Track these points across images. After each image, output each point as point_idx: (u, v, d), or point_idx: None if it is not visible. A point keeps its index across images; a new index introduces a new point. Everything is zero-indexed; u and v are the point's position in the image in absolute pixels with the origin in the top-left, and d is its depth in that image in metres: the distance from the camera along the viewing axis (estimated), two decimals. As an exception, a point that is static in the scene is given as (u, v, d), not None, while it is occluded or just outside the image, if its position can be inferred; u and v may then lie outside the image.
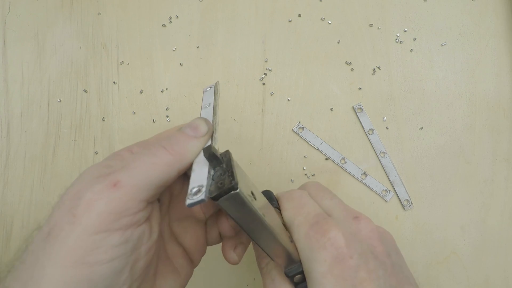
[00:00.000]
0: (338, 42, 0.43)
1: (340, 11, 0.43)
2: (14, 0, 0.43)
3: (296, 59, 0.43)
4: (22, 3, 0.43)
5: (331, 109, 0.42)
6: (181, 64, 0.43)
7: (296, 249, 0.25)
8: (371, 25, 0.43)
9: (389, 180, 0.42)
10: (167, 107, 0.43)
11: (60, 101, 0.43)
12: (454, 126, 0.42)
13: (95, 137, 0.42)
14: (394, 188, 0.41)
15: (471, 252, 0.41)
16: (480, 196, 0.42)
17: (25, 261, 0.20)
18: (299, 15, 0.43)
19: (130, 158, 0.22)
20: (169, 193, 0.27)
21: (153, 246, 0.23)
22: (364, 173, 0.42)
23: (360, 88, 0.42)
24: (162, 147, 0.22)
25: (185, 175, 0.24)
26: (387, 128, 0.42)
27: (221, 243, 0.29)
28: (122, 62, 0.43)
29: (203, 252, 0.29)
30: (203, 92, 0.28)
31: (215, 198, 0.21)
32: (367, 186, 0.42)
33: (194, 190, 0.20)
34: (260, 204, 0.23)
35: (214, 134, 0.25)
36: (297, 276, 0.25)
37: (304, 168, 0.42)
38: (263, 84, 0.43)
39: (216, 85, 0.28)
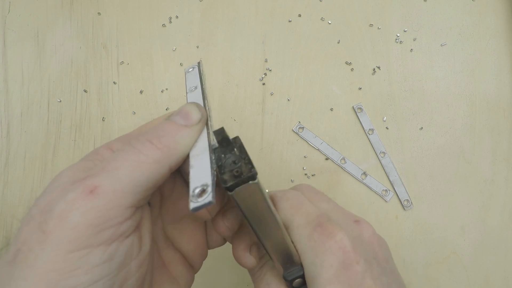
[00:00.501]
0: (338, 42, 0.43)
1: (340, 11, 0.43)
2: (14, 0, 0.43)
3: (296, 59, 0.43)
4: (22, 3, 0.43)
5: (331, 109, 0.42)
6: (181, 64, 0.43)
7: (296, 250, 0.24)
8: (371, 25, 0.43)
9: (389, 180, 0.42)
10: (167, 107, 0.43)
11: (60, 101, 0.43)
12: (454, 126, 0.42)
13: (95, 137, 0.42)
14: (394, 188, 0.41)
15: (471, 252, 0.41)
16: (480, 196, 0.42)
17: None
18: (299, 15, 0.43)
19: (111, 157, 0.19)
20: (159, 193, 0.24)
21: (146, 259, 0.20)
22: (364, 173, 0.42)
23: (360, 88, 0.42)
24: (148, 141, 0.19)
25: (176, 171, 0.21)
26: (387, 128, 0.42)
27: (229, 254, 0.26)
28: (122, 62, 0.43)
29: (204, 255, 0.26)
30: (185, 73, 0.24)
31: (230, 188, 0.18)
32: (367, 186, 0.42)
33: (198, 190, 0.17)
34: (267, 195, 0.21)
35: (209, 121, 0.21)
36: (296, 280, 0.23)
37: (304, 168, 0.42)
38: (263, 84, 0.43)
39: (199, 64, 0.24)
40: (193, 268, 0.25)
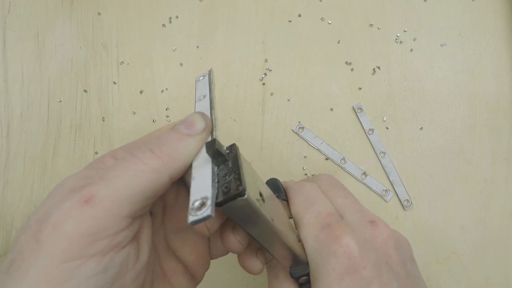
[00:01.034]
0: (338, 42, 0.43)
1: (340, 11, 0.43)
2: (14, 0, 0.43)
3: (296, 59, 0.43)
4: (22, 3, 0.43)
5: (331, 109, 0.42)
6: (181, 64, 0.43)
7: (304, 248, 0.23)
8: (371, 25, 0.43)
9: (389, 180, 0.42)
10: (167, 107, 0.43)
11: (60, 101, 0.43)
12: (454, 126, 0.42)
13: (95, 137, 0.42)
14: (394, 188, 0.41)
15: (471, 252, 0.41)
16: (480, 196, 0.42)
17: None
18: (299, 15, 0.43)
19: (111, 166, 0.18)
20: (162, 202, 0.24)
21: (143, 271, 0.20)
22: (364, 173, 0.42)
23: (360, 88, 0.42)
24: (149, 150, 0.18)
25: (180, 181, 0.20)
26: (387, 128, 0.42)
27: (229, 254, 0.25)
28: (122, 62, 0.43)
29: (207, 266, 0.25)
30: (196, 82, 0.24)
31: (219, 204, 0.18)
32: (367, 186, 0.42)
33: (197, 203, 0.17)
34: (268, 206, 0.21)
35: (213, 131, 0.21)
36: (303, 278, 0.23)
37: (304, 168, 0.42)
38: (263, 84, 0.43)
39: (210, 73, 0.24)
40: (194, 279, 0.25)
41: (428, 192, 0.42)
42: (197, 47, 0.43)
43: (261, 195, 0.20)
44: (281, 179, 0.42)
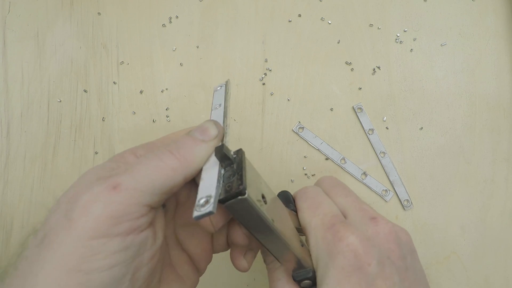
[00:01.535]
0: (338, 42, 0.43)
1: (340, 11, 0.43)
2: (14, 0, 0.43)
3: (296, 59, 0.43)
4: (22, 3, 0.43)
5: (331, 109, 0.42)
6: (181, 64, 0.43)
7: (308, 253, 0.25)
8: (371, 25, 0.43)
9: (389, 180, 0.42)
10: (167, 107, 0.43)
11: (60, 101, 0.43)
12: (454, 126, 0.42)
13: (95, 137, 0.42)
14: (394, 188, 0.41)
15: (471, 252, 0.41)
16: (480, 196, 0.42)
17: (18, 267, 0.19)
18: (299, 15, 0.43)
19: (134, 161, 0.21)
20: (175, 199, 0.26)
21: (157, 252, 0.22)
22: (364, 173, 0.42)
23: (360, 88, 0.42)
24: (168, 151, 0.21)
25: (193, 181, 0.23)
26: (387, 128, 0.42)
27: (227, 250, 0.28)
28: (122, 62, 0.43)
29: (209, 259, 0.28)
30: (214, 91, 0.26)
31: (221, 201, 0.20)
32: (367, 186, 0.42)
33: (202, 201, 0.19)
34: (270, 208, 0.22)
35: (224, 138, 0.23)
36: (305, 281, 0.24)
37: (304, 168, 0.42)
38: (263, 84, 0.43)
39: (227, 83, 0.26)
40: (198, 270, 0.27)
41: (428, 192, 0.42)
42: (197, 47, 0.43)
43: (263, 197, 0.22)
44: (281, 179, 0.42)
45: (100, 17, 0.43)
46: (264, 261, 0.27)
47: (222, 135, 0.23)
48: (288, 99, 0.42)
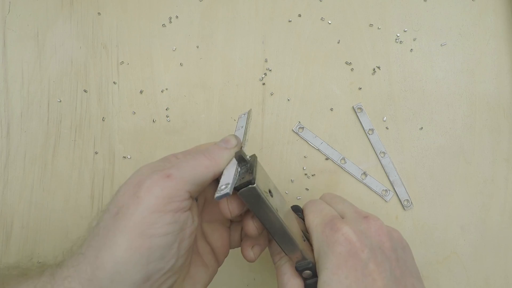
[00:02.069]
0: (338, 42, 0.43)
1: (340, 11, 0.43)
2: (14, 0, 0.43)
3: (296, 59, 0.43)
4: (22, 3, 0.43)
5: (331, 109, 0.42)
6: (181, 64, 0.43)
7: (309, 248, 0.29)
8: (371, 25, 0.43)
9: (389, 180, 0.42)
10: (167, 107, 0.43)
11: (60, 101, 0.43)
12: (454, 126, 0.42)
13: (95, 137, 0.42)
14: (394, 188, 0.41)
15: (471, 252, 0.41)
16: (480, 196, 0.42)
17: (98, 233, 0.24)
18: (299, 15, 0.43)
19: (177, 161, 0.28)
20: (204, 197, 0.32)
21: (194, 231, 0.28)
22: (364, 173, 0.42)
23: (360, 88, 0.42)
24: (202, 154, 0.28)
25: (217, 183, 0.28)
26: (387, 128, 0.42)
27: (229, 256, 0.33)
28: (122, 62, 0.43)
29: (227, 253, 0.33)
30: (238, 118, 0.35)
31: (236, 189, 0.26)
32: (367, 186, 0.42)
33: (223, 186, 0.25)
34: (276, 201, 0.28)
35: (242, 148, 0.30)
36: (305, 272, 0.29)
37: (304, 168, 0.42)
38: (263, 84, 0.43)
39: (249, 112, 0.34)
40: (218, 261, 0.33)
41: (428, 192, 0.42)
42: (197, 47, 0.43)
43: (270, 191, 0.28)
44: (281, 179, 0.42)
45: (100, 17, 0.43)
46: (273, 260, 0.32)
47: (241, 146, 0.30)
48: (288, 99, 0.42)
